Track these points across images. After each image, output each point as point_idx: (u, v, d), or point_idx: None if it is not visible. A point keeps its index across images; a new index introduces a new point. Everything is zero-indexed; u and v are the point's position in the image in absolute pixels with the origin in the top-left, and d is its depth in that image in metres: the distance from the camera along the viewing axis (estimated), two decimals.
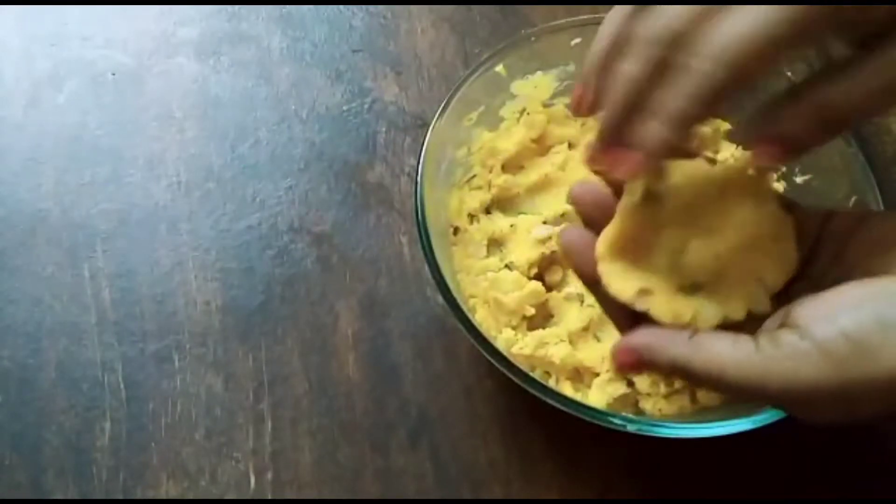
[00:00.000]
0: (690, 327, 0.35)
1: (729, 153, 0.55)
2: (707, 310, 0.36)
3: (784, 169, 0.54)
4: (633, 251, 0.39)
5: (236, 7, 0.63)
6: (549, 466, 0.49)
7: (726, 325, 0.36)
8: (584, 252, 0.39)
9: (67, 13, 0.61)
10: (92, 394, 0.49)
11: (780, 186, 0.54)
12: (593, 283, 0.39)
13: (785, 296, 0.37)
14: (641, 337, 0.36)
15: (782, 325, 0.34)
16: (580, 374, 0.49)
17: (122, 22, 0.61)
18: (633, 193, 0.39)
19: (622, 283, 0.38)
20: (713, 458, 0.47)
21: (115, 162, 0.56)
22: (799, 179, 0.53)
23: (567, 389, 0.48)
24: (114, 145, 0.57)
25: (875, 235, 0.36)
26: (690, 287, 0.38)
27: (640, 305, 0.37)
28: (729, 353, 0.33)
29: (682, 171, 0.40)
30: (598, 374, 0.48)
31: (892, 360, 0.31)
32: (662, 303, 0.37)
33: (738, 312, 0.37)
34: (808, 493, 0.48)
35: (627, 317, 0.38)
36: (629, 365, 0.36)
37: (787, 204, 0.40)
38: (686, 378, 0.35)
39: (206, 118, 0.58)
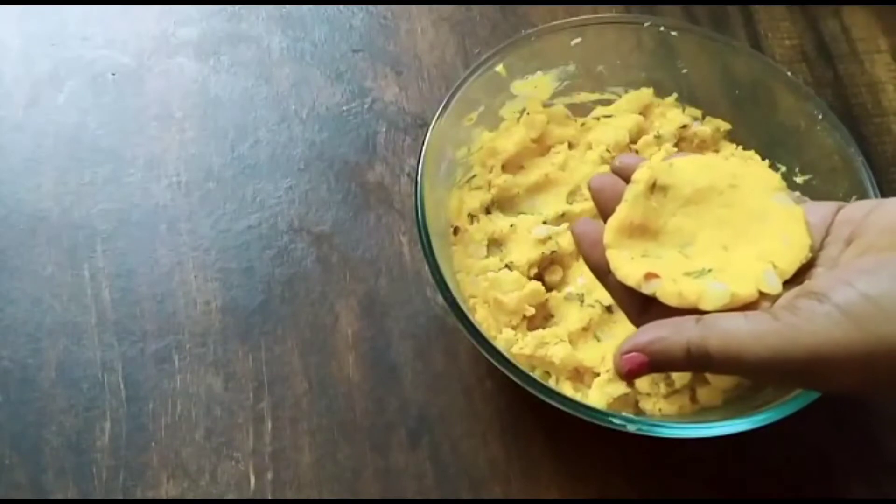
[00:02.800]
0: (693, 316, 0.35)
1: (729, 152, 0.55)
2: (714, 290, 0.36)
3: (784, 168, 0.54)
4: (642, 239, 0.39)
5: (236, 7, 0.63)
6: (549, 466, 0.49)
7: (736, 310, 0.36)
8: (594, 242, 0.39)
9: (67, 13, 0.61)
10: (92, 394, 0.49)
11: None
12: (603, 272, 0.39)
13: (798, 280, 0.36)
14: (648, 332, 0.35)
15: (797, 297, 0.33)
16: (580, 374, 0.49)
17: (122, 22, 0.61)
18: (638, 182, 0.40)
19: (629, 268, 0.38)
20: (713, 458, 0.47)
21: (115, 162, 0.56)
22: (799, 179, 0.53)
23: (567, 389, 0.48)
24: (114, 145, 0.57)
25: (886, 219, 0.35)
26: (699, 272, 0.38)
27: (647, 289, 0.37)
28: (745, 328, 0.32)
29: (694, 164, 0.41)
30: (598, 374, 0.48)
31: None
32: (668, 284, 0.37)
33: (747, 290, 0.36)
34: (808, 493, 0.48)
35: (637, 305, 0.38)
36: (638, 368, 0.34)
37: (797, 198, 0.40)
38: (703, 365, 0.33)
39: (206, 118, 0.58)
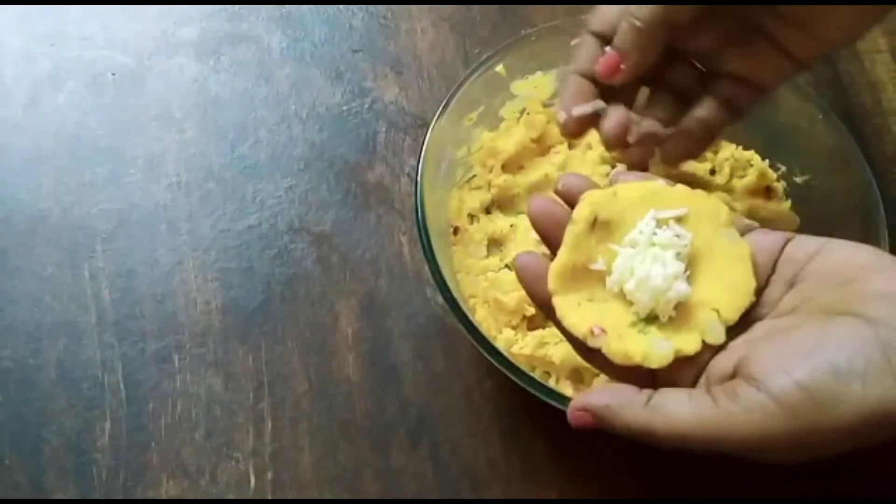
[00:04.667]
0: (645, 392, 0.35)
1: (729, 152, 0.55)
2: (658, 350, 0.37)
3: (784, 168, 0.54)
4: (587, 280, 0.39)
5: (236, 7, 0.63)
6: (549, 466, 0.49)
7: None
8: (536, 276, 0.39)
9: (67, 13, 0.61)
10: (92, 394, 0.49)
11: (779, 186, 0.54)
12: (548, 308, 0.39)
13: (739, 321, 0.37)
14: (600, 397, 0.36)
15: (737, 375, 0.34)
16: (580, 374, 0.49)
17: (122, 22, 0.61)
18: (577, 223, 0.39)
19: (576, 317, 0.38)
20: (713, 458, 0.47)
21: (115, 162, 0.56)
22: (799, 179, 0.53)
23: (567, 389, 0.48)
24: (114, 145, 0.57)
25: (830, 267, 0.36)
26: (646, 319, 0.38)
27: (593, 343, 0.37)
28: (688, 413, 0.34)
29: (638, 192, 0.40)
30: (598, 374, 0.48)
31: (847, 409, 0.31)
32: (614, 341, 0.37)
33: (692, 346, 0.37)
34: (808, 493, 0.48)
35: (586, 345, 0.38)
36: (584, 426, 0.36)
37: (746, 226, 0.39)
38: (647, 440, 0.35)
39: (206, 118, 0.58)
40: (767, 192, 0.54)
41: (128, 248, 0.54)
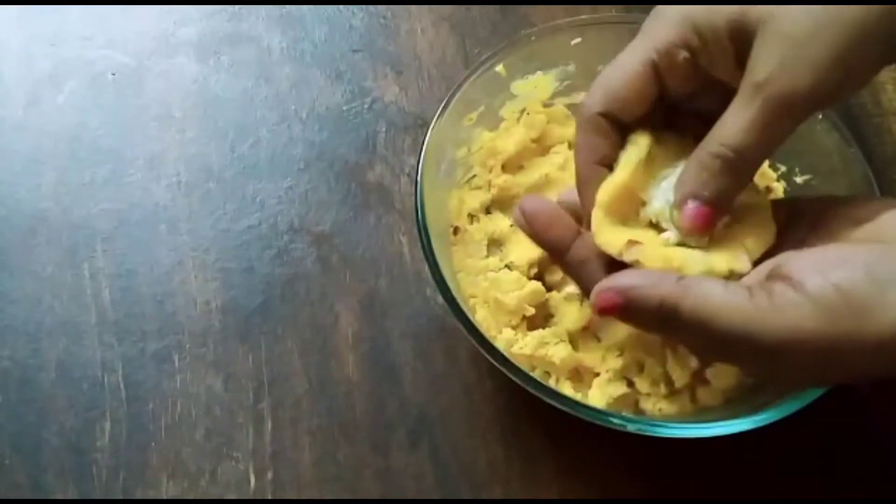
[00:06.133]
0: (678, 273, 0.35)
1: None
2: (694, 260, 0.37)
3: (784, 168, 0.54)
4: (625, 210, 0.39)
5: (236, 7, 0.63)
6: (549, 466, 0.49)
7: None
8: (549, 221, 0.38)
9: (67, 13, 0.61)
10: (92, 394, 0.49)
11: (780, 187, 0.54)
12: (559, 252, 0.38)
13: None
14: (628, 278, 0.34)
15: (771, 277, 0.33)
16: (580, 374, 0.49)
17: (122, 22, 0.61)
18: (639, 147, 0.39)
19: (610, 234, 0.37)
20: (713, 458, 0.47)
21: (115, 162, 0.56)
22: (799, 179, 0.53)
23: (567, 389, 0.48)
24: (114, 145, 0.57)
25: (859, 214, 0.36)
26: (676, 245, 0.39)
27: (630, 256, 0.37)
28: (721, 297, 0.32)
29: (666, 141, 0.41)
30: (598, 374, 0.48)
31: (883, 318, 0.30)
32: (652, 251, 0.37)
33: (721, 266, 0.37)
34: (807, 493, 0.48)
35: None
36: (611, 308, 0.34)
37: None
38: (672, 323, 0.33)
39: (206, 118, 0.58)
40: (767, 192, 0.54)
41: (128, 248, 0.54)
